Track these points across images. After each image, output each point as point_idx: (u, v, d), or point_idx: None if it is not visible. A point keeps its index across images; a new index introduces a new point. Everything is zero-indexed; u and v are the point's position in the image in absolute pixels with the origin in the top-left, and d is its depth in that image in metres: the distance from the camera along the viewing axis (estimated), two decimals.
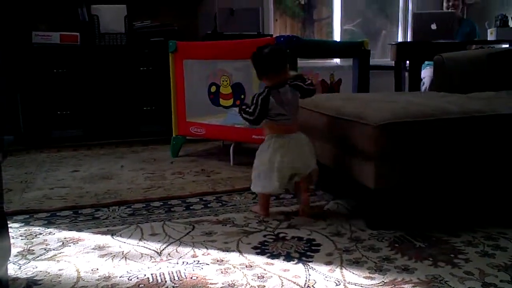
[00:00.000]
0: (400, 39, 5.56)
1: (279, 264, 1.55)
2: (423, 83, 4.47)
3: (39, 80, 3.71)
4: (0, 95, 3.89)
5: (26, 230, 1.93)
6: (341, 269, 1.51)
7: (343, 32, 5.32)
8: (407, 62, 4.19)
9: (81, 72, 3.79)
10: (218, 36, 4.10)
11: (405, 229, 1.83)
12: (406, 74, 4.18)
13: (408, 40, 5.44)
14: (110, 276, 1.50)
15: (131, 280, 1.47)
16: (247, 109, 1.98)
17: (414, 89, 3.92)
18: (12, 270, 1.56)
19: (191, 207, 2.18)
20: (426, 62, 4.33)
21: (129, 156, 3.34)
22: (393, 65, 4.23)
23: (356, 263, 1.55)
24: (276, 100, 1.93)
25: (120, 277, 1.50)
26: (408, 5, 5.55)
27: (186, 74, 3.16)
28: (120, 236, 1.84)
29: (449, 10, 4.60)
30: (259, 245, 1.71)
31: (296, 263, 1.56)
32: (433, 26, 3.98)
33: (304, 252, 1.64)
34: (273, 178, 1.94)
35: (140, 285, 1.44)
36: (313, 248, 1.68)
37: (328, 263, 1.56)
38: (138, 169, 2.93)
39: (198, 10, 4.42)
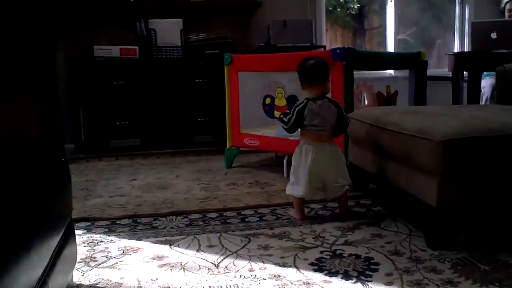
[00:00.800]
0: (456, 49, 5.40)
1: (337, 283, 1.53)
2: (483, 94, 4.31)
3: (100, 92, 3.85)
4: (64, 106, 4.06)
5: (88, 237, 2.00)
6: None
7: (396, 41, 5.22)
8: (465, 72, 4.05)
9: (139, 84, 3.91)
10: (271, 48, 4.12)
11: (468, 250, 1.76)
12: (464, 84, 4.04)
13: (465, 49, 5.27)
14: (169, 287, 1.53)
15: None
16: (284, 118, 2.17)
17: (474, 101, 3.79)
18: (76, 276, 1.62)
19: (246, 219, 2.19)
20: (485, 73, 4.17)
21: (184, 166, 3.40)
22: (450, 75, 4.11)
23: (417, 285, 1.50)
24: (311, 112, 2.09)
25: None
26: (465, 14, 5.38)
27: (241, 86, 3.19)
28: (178, 246, 1.87)
29: (511, 19, 4.41)
30: (316, 262, 1.70)
31: (354, 282, 1.53)
32: (493, 35, 3.82)
33: (363, 271, 1.61)
34: (301, 183, 2.11)
35: None
36: (371, 267, 1.64)
37: (388, 283, 1.52)
38: (193, 179, 2.98)
39: (251, 23, 4.46)
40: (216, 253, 1.79)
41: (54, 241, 1.29)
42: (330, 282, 1.54)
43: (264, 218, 2.20)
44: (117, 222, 2.19)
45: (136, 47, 3.95)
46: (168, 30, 4.02)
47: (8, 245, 0.95)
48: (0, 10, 3.42)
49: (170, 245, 1.89)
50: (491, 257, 1.70)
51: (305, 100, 2.11)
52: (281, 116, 2.20)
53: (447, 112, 2.24)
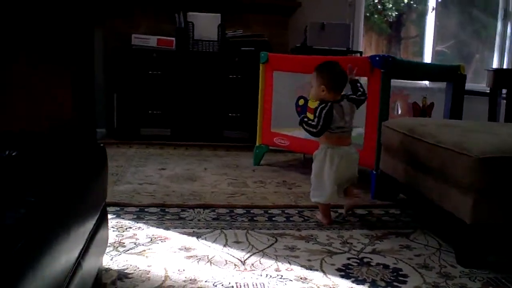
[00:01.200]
0: (495, 65, 5.29)
1: None
2: None
3: (135, 80, 3.89)
4: (99, 92, 4.12)
5: (117, 222, 2.03)
6: None
7: (434, 53, 5.15)
8: (504, 90, 3.97)
9: (174, 75, 3.94)
10: (307, 49, 4.10)
11: (499, 270, 1.73)
12: (502, 101, 3.96)
13: (505, 66, 5.16)
14: (196, 279, 1.54)
15: (216, 286, 1.50)
16: (310, 122, 2.11)
17: (511, 119, 3.71)
18: (105, 261, 1.64)
19: (273, 219, 2.19)
20: None
21: (212, 159, 3.42)
22: (487, 91, 4.03)
23: None
24: (338, 113, 2.08)
25: (205, 281, 1.53)
26: (507, 30, 5.27)
27: (275, 85, 3.19)
28: (205, 239, 1.88)
29: None
30: (343, 268, 1.68)
31: None
32: None
33: (391, 282, 1.59)
34: (326, 188, 2.10)
35: None
36: (399, 278, 1.62)
37: None
38: (221, 174, 2.99)
39: (289, 23, 4.45)
40: (242, 249, 1.80)
41: (91, 223, 1.30)
42: None
43: (291, 219, 2.20)
44: (146, 210, 2.21)
45: (173, 39, 3.97)
46: (206, 24, 4.04)
47: (50, 223, 0.97)
48: None
49: (197, 237, 1.90)
50: None
51: (329, 103, 2.07)
52: (306, 120, 2.14)
53: (485, 129, 2.20)
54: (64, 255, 1.03)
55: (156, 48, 3.93)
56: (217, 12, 4.08)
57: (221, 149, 3.78)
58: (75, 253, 1.15)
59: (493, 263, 1.78)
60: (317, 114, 2.08)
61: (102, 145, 1.60)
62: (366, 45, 5.21)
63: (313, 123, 2.09)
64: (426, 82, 4.94)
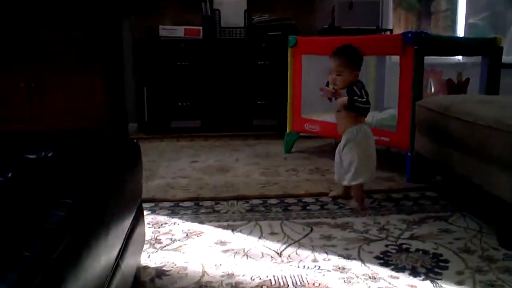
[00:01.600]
0: None
1: (405, 279, 1.49)
2: None
3: (164, 73, 3.90)
4: (129, 86, 4.17)
5: (152, 218, 2.05)
6: None
7: (467, 26, 4.96)
8: None
9: (202, 65, 3.93)
10: (335, 30, 4.02)
11: None
12: None
13: None
14: (233, 274, 1.54)
15: (253, 280, 1.50)
16: (361, 99, 2.08)
17: None
18: (142, 258, 1.66)
19: (307, 207, 2.17)
20: None
21: (243, 149, 3.41)
22: None
23: (491, 286, 1.44)
24: (366, 92, 2.14)
25: (242, 275, 1.53)
26: None
27: (304, 69, 3.14)
28: (240, 232, 1.88)
29: None
30: (382, 256, 1.65)
31: (423, 280, 1.48)
32: None
33: (432, 268, 1.55)
34: (372, 164, 2.16)
35: (263, 286, 1.46)
36: (440, 264, 1.58)
37: (459, 283, 1.46)
38: (252, 163, 2.98)
39: (316, 4, 4.36)
40: (278, 241, 1.79)
41: (128, 221, 1.31)
42: (397, 278, 1.49)
43: (325, 207, 2.17)
44: (180, 204, 2.23)
45: (200, 28, 3.96)
46: (232, 11, 4.01)
47: (89, 225, 0.97)
48: None
49: (232, 230, 1.90)
50: None
51: (358, 82, 2.12)
52: (357, 99, 2.07)
53: None
54: (104, 255, 1.03)
55: (184, 38, 3.92)
56: None
57: (251, 138, 3.77)
58: (115, 253, 1.16)
59: None
60: (361, 92, 2.08)
61: (135, 141, 1.61)
62: (395, 22, 5.06)
63: (364, 99, 2.08)
64: (460, 57, 4.78)
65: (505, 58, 4.54)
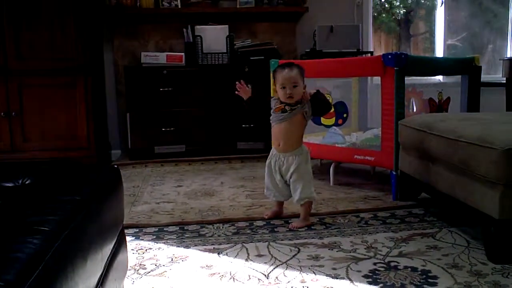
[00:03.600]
0: (509, 54, 5.18)
1: None
2: None
3: (147, 99, 3.89)
4: (111, 113, 4.14)
5: (136, 244, 2.00)
6: None
7: (445, 47, 5.07)
8: None
9: (185, 90, 3.93)
10: (316, 54, 4.07)
11: None
12: None
13: None
14: None
15: None
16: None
17: None
18: (126, 285, 1.61)
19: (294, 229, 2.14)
20: None
21: (228, 172, 3.39)
22: (502, 81, 3.94)
23: None
24: None
25: None
26: None
27: None
28: (227, 255, 1.84)
29: None
30: (370, 274, 1.63)
31: None
32: None
33: (420, 285, 1.53)
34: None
35: None
36: (429, 280, 1.57)
37: None
38: (238, 186, 2.96)
39: (297, 29, 4.42)
40: (265, 262, 1.76)
41: (108, 248, 1.28)
42: None
43: (312, 227, 2.15)
44: (165, 229, 2.18)
45: (182, 54, 3.97)
46: (214, 37, 4.03)
47: (65, 252, 0.94)
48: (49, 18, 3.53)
49: (218, 253, 1.87)
50: None
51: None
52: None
53: (506, 119, 2.14)
54: (82, 283, 1.00)
55: (166, 65, 3.93)
56: (224, 24, 4.07)
57: (236, 162, 3.75)
58: (94, 280, 1.12)
59: None
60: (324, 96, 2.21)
61: (116, 166, 1.59)
62: (375, 45, 5.15)
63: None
64: (440, 77, 4.86)
65: (486, 77, 4.65)
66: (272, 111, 2.21)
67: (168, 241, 2.03)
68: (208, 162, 3.75)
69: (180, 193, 2.83)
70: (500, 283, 1.53)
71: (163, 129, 3.89)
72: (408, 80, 2.67)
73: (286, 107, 2.13)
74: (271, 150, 2.28)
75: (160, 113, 3.91)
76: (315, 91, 2.19)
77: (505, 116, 2.44)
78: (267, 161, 2.28)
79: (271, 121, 2.24)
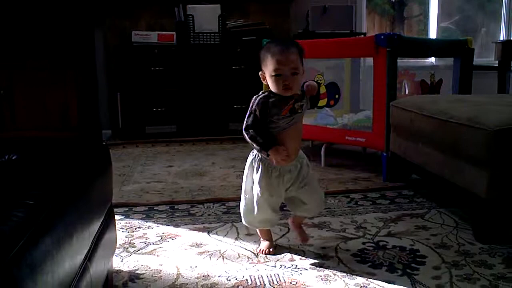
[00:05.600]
0: (502, 37, 5.17)
1: (382, 275, 1.47)
2: None
3: (138, 78, 3.86)
4: (102, 92, 4.10)
5: (126, 222, 2.00)
6: (451, 285, 1.41)
7: (439, 29, 5.05)
8: None
9: (176, 70, 3.90)
10: (309, 34, 4.04)
11: None
12: (511, 74, 3.87)
13: None
14: (209, 275, 1.50)
15: (229, 280, 1.46)
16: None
17: None
18: (115, 262, 1.61)
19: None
20: None
21: (219, 153, 3.38)
22: (494, 65, 3.94)
23: (467, 280, 1.43)
24: None
25: (218, 276, 1.49)
26: None
27: None
28: (216, 234, 1.85)
29: None
30: (359, 253, 1.64)
31: (400, 275, 1.47)
32: None
33: (408, 264, 1.54)
34: None
35: (239, 287, 1.42)
36: (417, 259, 1.58)
37: (436, 277, 1.45)
38: (229, 167, 2.95)
39: (290, 9, 4.38)
40: (255, 241, 1.76)
41: (95, 226, 1.27)
42: (375, 274, 1.48)
43: None
44: (155, 208, 2.18)
45: (174, 33, 3.93)
46: (206, 16, 3.99)
47: (52, 229, 0.93)
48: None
49: (208, 232, 1.87)
50: None
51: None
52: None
53: (498, 101, 2.14)
54: (68, 259, 0.99)
55: (157, 44, 3.89)
56: (216, 3, 4.02)
57: (227, 142, 3.74)
58: (81, 256, 1.11)
59: None
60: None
61: (104, 143, 1.57)
62: (369, 26, 5.12)
63: None
64: (432, 60, 4.86)
65: (479, 60, 4.65)
66: (276, 116, 1.51)
67: (158, 220, 2.03)
68: (200, 143, 3.74)
69: (171, 173, 2.82)
70: (487, 262, 1.55)
71: (154, 109, 3.87)
72: (401, 62, 2.66)
73: (296, 105, 1.52)
74: (264, 165, 1.59)
75: (151, 92, 3.88)
76: (315, 81, 1.68)
77: (496, 98, 2.44)
78: (263, 183, 1.59)
79: (273, 129, 1.53)
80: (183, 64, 3.90)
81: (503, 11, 5.20)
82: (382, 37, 2.50)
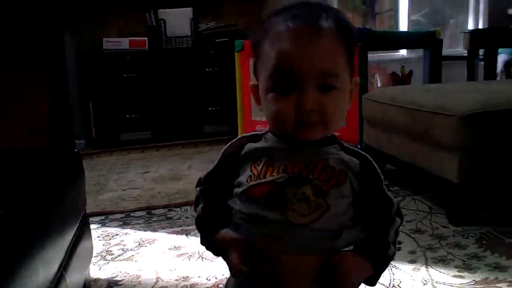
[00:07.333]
0: (471, 27, 5.26)
1: None
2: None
3: (110, 86, 3.82)
4: (74, 101, 4.05)
5: (103, 231, 1.98)
6: (426, 267, 1.44)
7: (410, 23, 5.12)
8: (480, 50, 3.93)
9: (149, 75, 3.87)
10: None
11: (491, 224, 1.72)
12: (480, 63, 3.94)
13: (481, 27, 5.14)
14: (188, 276, 1.50)
15: (209, 280, 1.47)
16: None
17: (490, 78, 3.69)
18: (93, 271, 1.59)
19: None
20: (499, 50, 4.04)
21: (195, 156, 3.37)
22: (464, 54, 4.01)
23: (442, 261, 1.47)
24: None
25: (198, 277, 1.49)
26: None
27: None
28: (195, 236, 1.84)
29: None
30: None
31: None
32: (510, 11, 3.72)
33: None
34: None
35: (220, 285, 1.42)
36: None
37: (412, 261, 1.48)
38: (205, 169, 2.90)
39: (263, 10, 4.39)
40: None
41: (69, 235, 1.25)
42: None
43: None
44: (131, 214, 2.16)
45: (146, 38, 3.91)
46: (178, 20, 3.98)
47: (23, 238, 0.92)
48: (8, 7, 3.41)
49: (186, 235, 1.86)
50: None
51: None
52: None
53: (466, 88, 2.19)
54: (41, 269, 0.98)
55: (129, 50, 3.86)
56: (188, 7, 4.02)
57: (203, 145, 3.72)
58: (55, 266, 1.10)
59: (484, 218, 1.78)
60: None
61: (76, 151, 1.56)
62: None
63: None
64: (404, 53, 4.92)
65: (449, 51, 4.72)
66: (238, 196, 0.75)
67: (135, 226, 2.01)
68: (175, 147, 3.72)
69: (147, 179, 2.80)
70: (460, 243, 1.59)
71: (128, 116, 3.83)
72: (374, 56, 2.70)
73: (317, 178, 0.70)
74: None
75: (124, 99, 3.84)
76: None
77: (465, 85, 2.49)
78: None
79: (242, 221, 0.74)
80: (156, 70, 3.88)
81: (471, 1, 5.30)
82: None
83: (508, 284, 1.31)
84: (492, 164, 1.74)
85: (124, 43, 3.85)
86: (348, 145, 0.76)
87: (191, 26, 3.98)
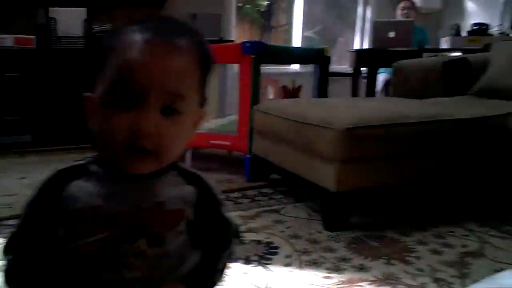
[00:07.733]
0: (357, 46, 5.65)
1: (239, 268, 1.54)
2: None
3: None
4: None
5: None
6: (300, 269, 1.51)
7: (303, 39, 5.37)
8: (363, 69, 4.24)
9: (35, 76, 3.65)
10: None
11: (362, 229, 1.87)
12: (363, 80, 4.25)
13: (365, 47, 5.53)
14: None
15: None
16: None
17: (371, 95, 4.01)
18: None
19: None
20: (380, 69, 4.37)
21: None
22: (350, 72, 4.30)
23: (314, 264, 1.56)
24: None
25: None
26: (366, 13, 5.66)
27: None
28: None
29: (407, 19, 4.67)
30: None
31: (255, 266, 1.55)
32: (391, 34, 4.05)
33: (263, 255, 1.63)
34: None
35: None
36: (271, 250, 1.67)
37: (287, 264, 1.56)
38: None
39: (161, 12, 4.36)
40: None
41: None
42: (232, 268, 1.52)
43: None
44: (4, 223, 2.01)
45: (34, 37, 3.69)
46: (70, 20, 3.81)
47: None
48: None
49: None
50: (380, 235, 1.82)
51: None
52: None
53: (349, 104, 2.36)
54: None
55: (14, 48, 3.61)
56: (82, 7, 3.86)
57: (91, 151, 3.57)
58: None
59: (356, 224, 1.92)
60: None
61: None
62: (240, 34, 5.28)
63: None
64: (297, 67, 5.15)
65: (338, 67, 5.02)
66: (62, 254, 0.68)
67: (8, 234, 1.87)
68: (60, 152, 3.50)
69: (25, 185, 2.61)
70: (332, 247, 1.70)
71: (6, 118, 3.56)
72: (267, 69, 2.79)
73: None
74: None
75: (3, 100, 3.57)
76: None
77: (349, 101, 2.67)
78: None
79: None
80: (42, 70, 3.67)
81: (358, 22, 5.69)
82: (248, 44, 2.62)
83: (369, 282, 1.43)
84: (367, 173, 1.88)
85: (9, 40, 3.60)
86: (185, 168, 0.72)
87: (84, 27, 3.84)
